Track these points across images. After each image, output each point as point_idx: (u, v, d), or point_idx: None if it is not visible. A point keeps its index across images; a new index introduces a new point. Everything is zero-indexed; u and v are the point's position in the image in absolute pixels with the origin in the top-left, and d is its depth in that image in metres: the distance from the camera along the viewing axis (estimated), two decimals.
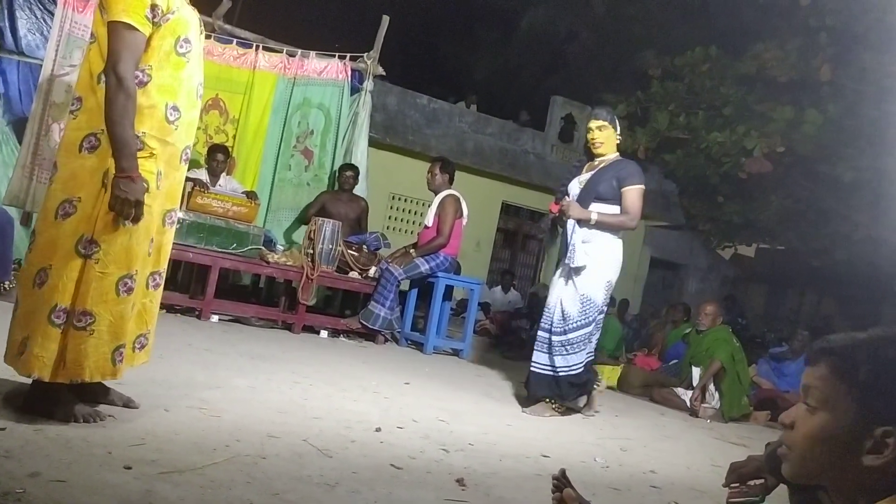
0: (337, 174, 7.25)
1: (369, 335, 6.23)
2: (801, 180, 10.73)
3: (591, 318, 4.33)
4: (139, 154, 2.33)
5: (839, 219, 10.82)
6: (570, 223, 4.35)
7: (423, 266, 6.28)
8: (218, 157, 6.53)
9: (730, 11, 10.91)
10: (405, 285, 6.52)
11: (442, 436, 3.23)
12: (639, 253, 14.52)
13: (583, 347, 4.33)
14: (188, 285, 6.28)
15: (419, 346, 6.31)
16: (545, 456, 3.25)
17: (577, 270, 4.32)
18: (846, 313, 15.16)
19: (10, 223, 4.80)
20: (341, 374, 4.42)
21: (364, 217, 7.21)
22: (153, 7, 2.32)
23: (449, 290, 6.61)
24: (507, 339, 8.23)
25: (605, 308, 4.50)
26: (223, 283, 6.19)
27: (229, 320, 5.84)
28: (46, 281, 2.27)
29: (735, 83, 10.32)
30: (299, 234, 7.08)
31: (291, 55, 7.40)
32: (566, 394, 4.34)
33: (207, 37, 7.04)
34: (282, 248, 6.48)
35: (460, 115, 12.86)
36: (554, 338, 4.33)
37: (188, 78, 2.48)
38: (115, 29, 2.28)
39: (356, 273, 6.38)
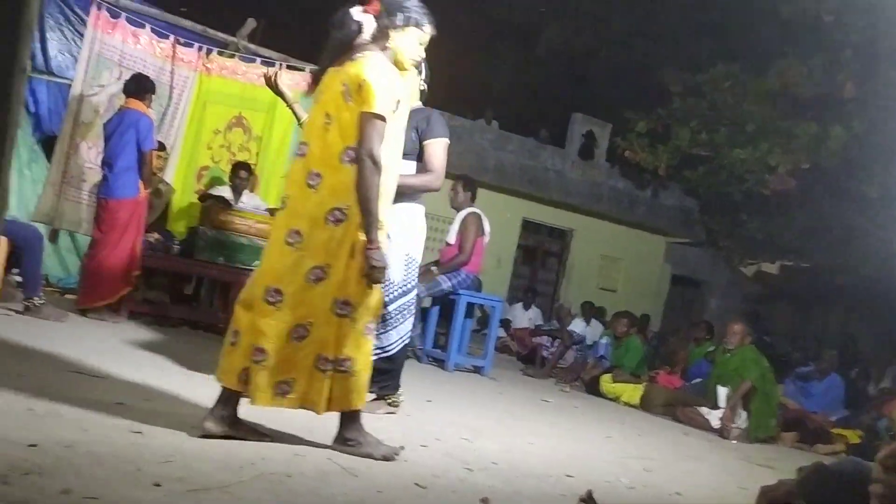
0: None
1: None
2: (826, 197, 10.64)
3: (387, 297, 3.49)
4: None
5: (865, 235, 10.70)
6: None
7: (445, 283, 6.29)
8: (241, 175, 6.60)
9: (751, 28, 10.88)
10: (427, 302, 6.53)
11: (465, 454, 3.22)
12: (659, 269, 14.44)
13: (394, 326, 3.72)
14: (211, 302, 6.33)
15: (441, 364, 6.30)
16: (569, 476, 3.22)
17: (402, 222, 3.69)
18: (873, 331, 14.95)
19: (39, 240, 4.88)
20: None
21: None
22: (397, 102, 2.73)
23: (470, 308, 6.60)
24: (529, 356, 8.20)
25: (412, 289, 3.77)
26: None
27: None
28: (307, 336, 2.66)
29: (758, 100, 10.28)
30: None
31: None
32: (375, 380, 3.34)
33: (231, 56, 7.16)
34: None
35: (481, 131, 12.89)
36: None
37: (391, 153, 2.79)
38: (371, 119, 2.64)
39: None
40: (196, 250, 5.69)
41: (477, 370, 6.49)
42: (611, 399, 6.75)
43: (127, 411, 2.75)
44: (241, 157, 7.13)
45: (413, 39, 2.91)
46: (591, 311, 9.94)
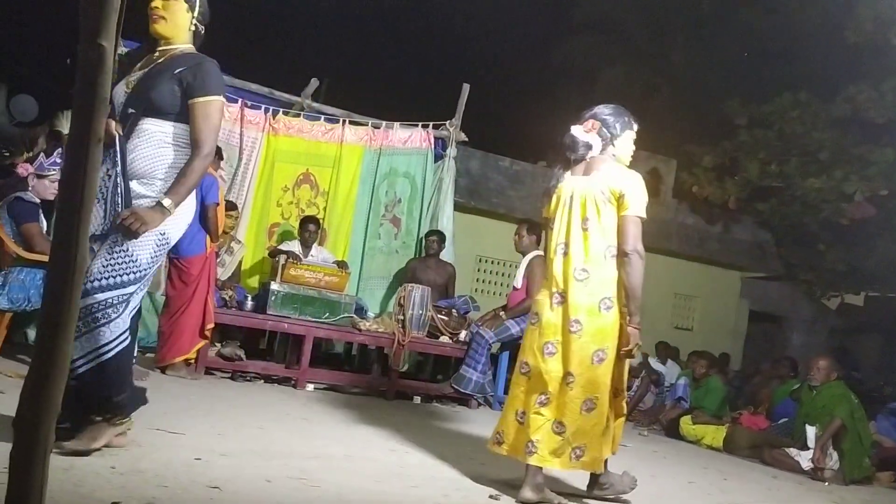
0: (423, 240, 7.36)
1: (462, 400, 6.19)
2: None
3: (126, 279, 2.72)
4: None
5: None
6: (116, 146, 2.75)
7: (514, 328, 6.23)
8: (310, 229, 6.75)
9: (816, 55, 10.64)
10: (496, 348, 6.47)
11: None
12: (736, 306, 13.99)
13: (110, 317, 2.68)
14: (284, 355, 6.43)
15: None
16: None
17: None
18: None
19: None
20: (436, 440, 4.38)
21: (452, 282, 7.25)
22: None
23: None
24: None
25: (147, 276, 2.84)
26: (317, 351, 6.31)
27: (324, 388, 5.92)
28: (594, 408, 3.12)
29: (828, 127, 9.98)
30: (390, 301, 7.17)
31: (376, 127, 7.65)
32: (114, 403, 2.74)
33: (296, 115, 7.40)
34: (373, 315, 6.57)
35: (544, 174, 12.87)
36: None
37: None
38: (636, 220, 3.20)
39: (447, 337, 6.39)
40: (268, 305, 5.82)
41: None
42: (692, 442, 6.51)
43: (205, 467, 2.79)
44: (309, 212, 7.31)
45: (629, 140, 3.43)
46: (666, 352, 9.67)
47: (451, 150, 7.76)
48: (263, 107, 7.26)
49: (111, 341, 2.65)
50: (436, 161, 7.73)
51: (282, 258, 6.12)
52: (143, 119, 2.79)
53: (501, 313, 6.39)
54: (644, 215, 3.22)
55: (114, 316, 2.66)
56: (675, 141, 14.43)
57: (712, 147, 11.18)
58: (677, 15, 17.16)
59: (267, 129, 7.26)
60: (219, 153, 5.77)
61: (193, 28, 2.95)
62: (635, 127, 3.47)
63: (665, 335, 10.88)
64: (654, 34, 17.38)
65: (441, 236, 7.28)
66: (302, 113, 7.47)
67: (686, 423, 6.68)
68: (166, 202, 2.71)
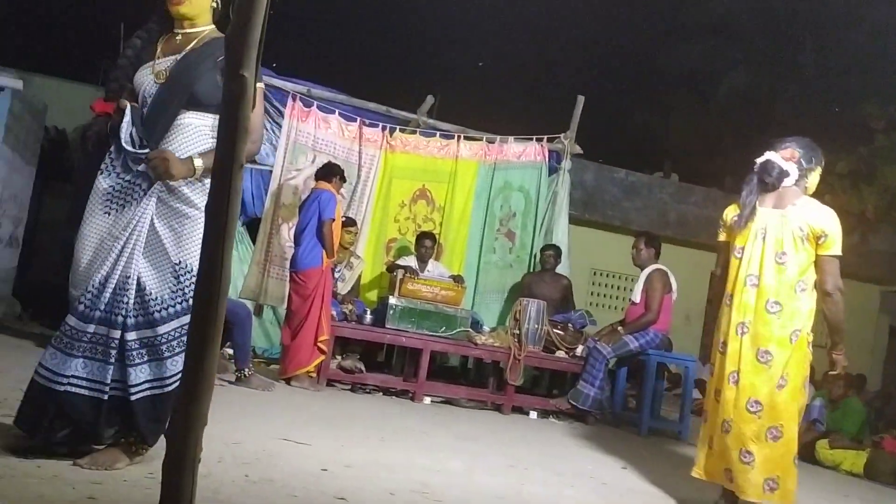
0: (538, 255, 7.32)
1: (579, 416, 6.08)
2: None
3: (189, 300, 2.57)
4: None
5: None
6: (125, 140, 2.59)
7: (633, 343, 6.08)
8: (426, 244, 6.85)
9: None
10: (614, 363, 6.33)
11: None
12: (874, 321, 13.09)
13: (175, 350, 2.58)
14: (402, 368, 6.54)
15: (632, 427, 6.05)
16: None
17: (174, 222, 2.59)
18: None
19: (248, 316, 5.30)
20: (554, 456, 4.33)
21: (568, 295, 7.17)
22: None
23: (661, 368, 6.32)
24: None
25: (188, 309, 2.66)
26: (433, 364, 6.37)
27: (441, 402, 5.97)
28: (780, 437, 3.20)
29: None
30: (506, 315, 7.16)
31: (490, 142, 7.68)
32: (150, 429, 2.57)
33: (413, 132, 7.56)
34: (488, 329, 6.59)
35: (660, 185, 12.56)
36: (128, 335, 2.53)
37: None
38: (835, 261, 3.29)
39: (563, 352, 6.31)
40: (387, 319, 5.94)
41: (673, 434, 6.15)
42: (829, 467, 6.12)
43: (332, 478, 2.87)
44: (425, 227, 7.42)
45: (818, 176, 3.47)
46: None
47: (566, 163, 7.69)
48: (381, 125, 7.46)
49: (176, 373, 2.53)
50: (550, 174, 7.68)
51: (399, 273, 6.24)
52: (184, 113, 2.59)
53: (619, 328, 6.25)
54: (841, 253, 3.32)
55: (178, 349, 2.55)
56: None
57: (847, 153, 10.52)
58: (804, 15, 16.34)
59: (384, 147, 7.45)
60: (342, 175, 5.96)
61: (214, 5, 2.72)
62: (823, 163, 3.51)
63: None
64: (779, 36, 16.62)
65: (557, 250, 7.21)
66: (418, 130, 7.62)
67: (823, 448, 6.28)
68: (197, 162, 2.52)
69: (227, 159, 1.39)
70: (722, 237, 3.55)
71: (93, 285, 2.51)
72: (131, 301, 2.51)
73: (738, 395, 3.26)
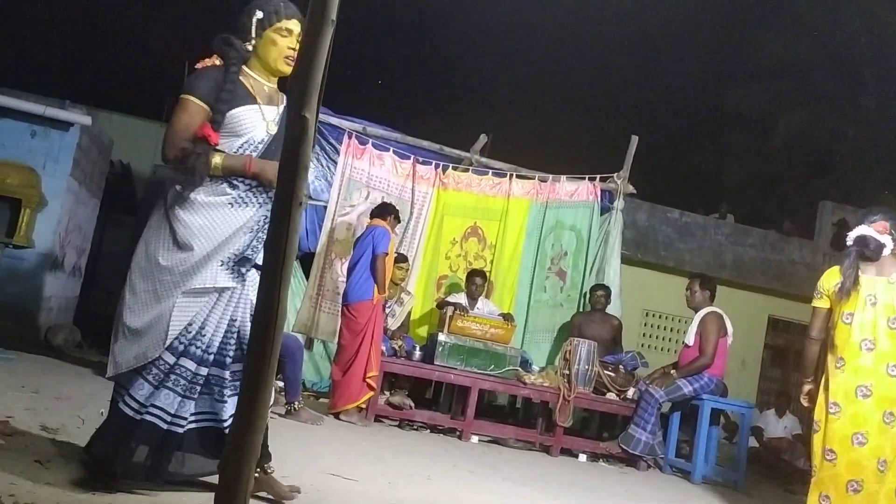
0: (588, 294, 7.24)
1: (630, 460, 5.94)
2: None
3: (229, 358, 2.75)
4: None
5: None
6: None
7: (686, 388, 5.94)
8: (476, 282, 6.84)
9: None
10: (667, 407, 6.19)
11: None
12: None
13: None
14: (449, 405, 6.50)
15: (685, 474, 5.88)
16: None
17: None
18: None
19: (300, 349, 5.36)
20: (605, 502, 4.23)
21: (618, 336, 7.06)
22: None
23: (716, 414, 6.15)
24: (786, 469, 7.39)
25: None
26: (481, 402, 6.32)
27: (488, 441, 5.91)
28: (860, 490, 3.44)
29: None
30: (555, 355, 7.09)
31: (543, 180, 7.69)
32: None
33: (465, 170, 7.61)
34: (538, 369, 6.52)
35: (715, 226, 12.34)
36: (226, 372, 2.64)
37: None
38: None
39: (613, 394, 6.20)
40: (436, 355, 5.93)
41: (728, 483, 5.96)
42: None
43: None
44: (476, 265, 7.43)
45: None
46: None
47: (619, 203, 7.63)
48: (434, 162, 7.53)
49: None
50: (602, 213, 7.63)
51: (449, 310, 6.24)
52: None
53: (672, 371, 6.11)
54: None
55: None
56: (864, 190, 13.35)
57: None
58: (864, 53, 16.06)
59: (437, 184, 7.51)
60: (396, 215, 6.04)
61: None
62: None
63: None
64: (838, 75, 16.33)
65: (608, 291, 7.13)
66: (470, 168, 7.67)
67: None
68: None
69: (287, 197, 1.43)
70: (820, 303, 3.84)
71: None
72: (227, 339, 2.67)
73: (868, 455, 3.47)
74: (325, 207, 7.17)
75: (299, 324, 6.92)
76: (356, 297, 5.65)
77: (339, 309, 6.67)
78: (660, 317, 11.72)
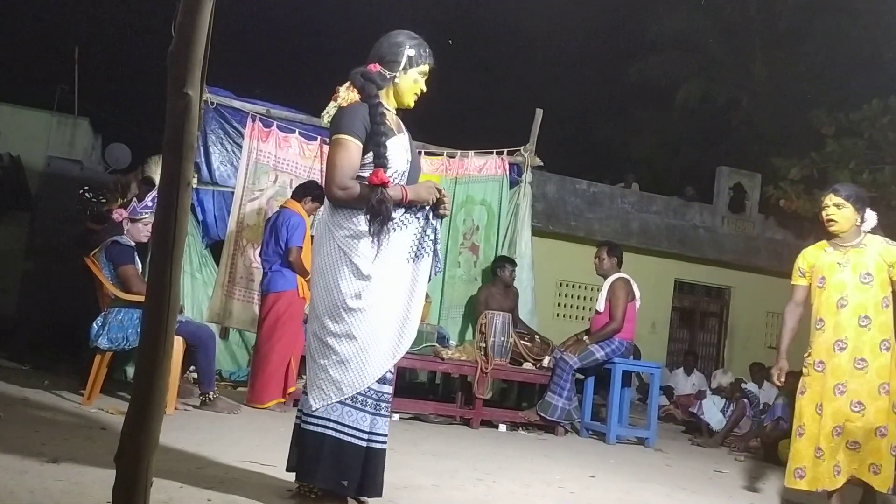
0: (495, 268, 7.23)
1: (548, 427, 6.11)
2: None
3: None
4: None
5: None
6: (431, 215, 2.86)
7: (599, 353, 6.13)
8: None
9: None
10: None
11: None
12: None
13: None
14: None
15: (601, 436, 6.09)
16: None
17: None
18: None
19: (212, 338, 5.23)
20: (523, 468, 4.33)
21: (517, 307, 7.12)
22: None
23: (628, 376, 6.38)
24: (695, 424, 7.75)
25: None
26: (401, 381, 6.35)
27: (409, 418, 5.95)
28: (886, 435, 3.72)
29: None
30: (472, 330, 7.17)
31: (451, 156, 7.72)
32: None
33: None
34: (455, 344, 6.58)
35: (622, 195, 12.72)
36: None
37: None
38: None
39: (530, 364, 6.33)
40: None
41: (641, 441, 6.20)
42: None
43: (300, 499, 2.84)
44: None
45: (871, 212, 4.01)
46: (760, 373, 9.30)
47: (527, 175, 7.75)
48: (319, 138, 7.18)
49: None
50: (512, 187, 7.73)
51: None
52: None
53: (585, 338, 6.30)
54: None
55: None
56: (758, 155, 14.00)
57: (799, 159, 10.79)
58: (757, 27, 16.75)
59: None
60: (316, 196, 5.65)
61: None
62: (869, 202, 4.08)
63: (758, 356, 10.49)
64: (733, 48, 17.01)
65: (514, 264, 7.16)
66: None
67: (785, 447, 6.37)
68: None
69: (174, 178, 1.38)
70: (800, 281, 4.13)
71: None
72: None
73: (846, 403, 3.74)
74: (233, 193, 6.98)
75: (212, 313, 6.74)
76: (278, 286, 5.48)
77: (255, 297, 6.51)
78: (573, 286, 12.02)
